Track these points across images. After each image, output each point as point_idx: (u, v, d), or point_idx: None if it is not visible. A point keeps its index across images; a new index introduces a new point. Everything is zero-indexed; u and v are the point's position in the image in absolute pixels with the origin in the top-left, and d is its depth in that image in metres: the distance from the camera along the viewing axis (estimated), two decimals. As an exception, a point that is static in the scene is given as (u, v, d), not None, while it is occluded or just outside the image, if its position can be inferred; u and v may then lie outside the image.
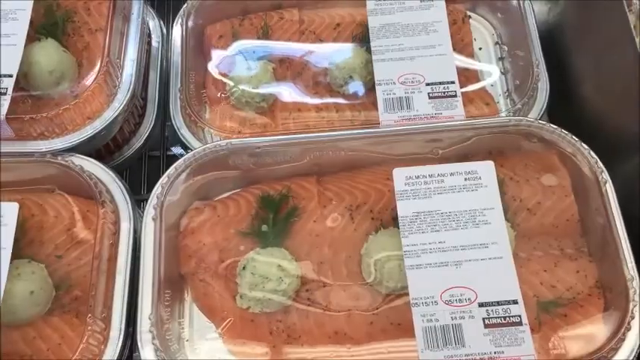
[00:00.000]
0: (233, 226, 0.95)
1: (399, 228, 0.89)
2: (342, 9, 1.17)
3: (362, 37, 1.12)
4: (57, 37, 1.06)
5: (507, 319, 0.83)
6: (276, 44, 1.14)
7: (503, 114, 1.04)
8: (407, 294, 0.86)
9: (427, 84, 1.05)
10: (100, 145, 1.04)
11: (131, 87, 1.04)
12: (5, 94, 0.96)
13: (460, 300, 0.84)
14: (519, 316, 0.83)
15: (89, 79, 1.02)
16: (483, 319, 0.83)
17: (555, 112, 1.10)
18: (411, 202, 0.90)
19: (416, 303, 0.84)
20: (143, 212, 0.95)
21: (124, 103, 1.03)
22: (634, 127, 0.96)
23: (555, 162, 0.97)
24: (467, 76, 1.10)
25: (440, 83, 1.05)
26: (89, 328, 0.83)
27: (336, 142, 0.98)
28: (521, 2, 1.13)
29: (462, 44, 1.14)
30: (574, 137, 0.96)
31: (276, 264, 0.89)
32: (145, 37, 1.14)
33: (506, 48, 1.17)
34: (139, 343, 0.85)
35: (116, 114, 1.02)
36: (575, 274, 0.91)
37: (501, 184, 0.93)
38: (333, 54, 1.11)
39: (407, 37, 1.09)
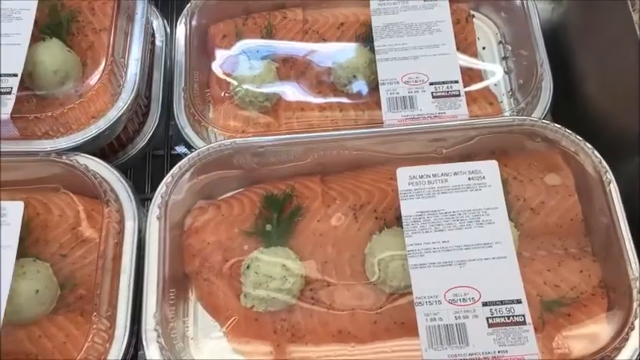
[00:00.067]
0: (237, 226, 0.96)
1: (402, 227, 0.89)
2: (345, 8, 1.17)
3: (365, 37, 1.12)
4: (61, 37, 1.06)
5: (511, 318, 0.83)
6: (279, 44, 1.14)
7: (506, 113, 1.04)
8: (410, 293, 0.86)
9: (431, 83, 1.05)
10: (105, 144, 1.05)
11: (135, 86, 1.04)
12: (10, 93, 0.97)
13: (464, 299, 0.84)
14: (523, 315, 0.83)
15: (93, 79, 1.03)
16: (487, 318, 0.83)
17: (559, 112, 1.10)
18: (414, 201, 0.91)
19: (420, 302, 0.84)
20: (147, 211, 0.95)
21: (128, 102, 1.03)
22: (638, 127, 0.96)
23: (559, 161, 0.97)
24: (470, 75, 1.10)
25: (443, 83, 1.05)
26: (94, 326, 0.84)
27: (339, 141, 0.98)
28: (524, 1, 1.13)
29: (465, 43, 1.14)
30: (578, 137, 0.96)
31: (280, 263, 0.90)
32: (149, 36, 1.15)
33: (509, 47, 1.17)
34: (144, 342, 0.85)
35: (120, 113, 1.02)
36: (578, 274, 0.91)
37: (505, 183, 0.93)
38: (336, 53, 1.11)
39: (410, 36, 1.09)
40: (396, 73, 1.05)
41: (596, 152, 0.94)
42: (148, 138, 1.13)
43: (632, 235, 0.89)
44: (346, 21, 1.15)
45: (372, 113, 1.06)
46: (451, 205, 0.90)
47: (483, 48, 1.19)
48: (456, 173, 0.92)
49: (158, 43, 1.20)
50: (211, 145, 0.98)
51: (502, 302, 0.84)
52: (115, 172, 0.99)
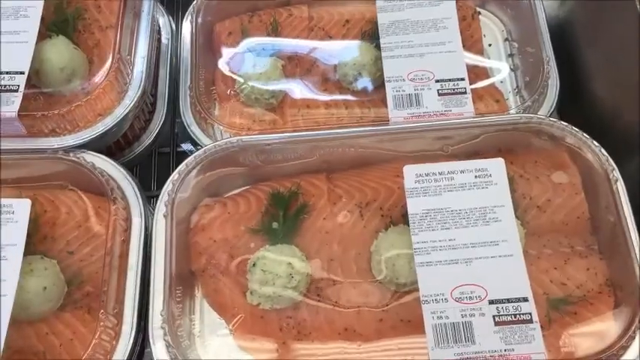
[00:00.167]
0: (243, 223, 0.96)
1: (408, 225, 0.89)
2: (351, 5, 1.17)
3: (371, 34, 1.12)
4: (68, 34, 1.07)
5: (518, 316, 0.83)
6: (285, 41, 1.14)
7: (513, 111, 1.04)
8: (416, 291, 0.86)
9: (437, 81, 1.04)
10: (111, 141, 1.05)
11: (142, 84, 1.04)
12: (17, 91, 0.97)
13: (470, 297, 0.84)
14: (530, 313, 0.83)
15: (100, 76, 1.03)
16: (494, 316, 0.83)
17: (565, 109, 1.10)
18: (421, 199, 0.91)
19: (426, 300, 0.84)
20: (153, 208, 0.95)
21: (135, 99, 1.03)
22: (645, 125, 0.96)
23: (566, 159, 0.97)
24: (476, 72, 1.10)
25: (449, 80, 1.04)
26: (101, 323, 0.84)
27: (345, 139, 0.98)
28: (531, -2, 1.12)
29: (471, 41, 1.13)
30: (585, 134, 0.95)
31: (286, 261, 0.90)
32: (155, 34, 1.15)
33: (516, 44, 1.17)
34: (150, 339, 0.85)
35: (127, 111, 1.02)
36: (585, 272, 0.91)
37: (511, 181, 0.93)
38: (342, 51, 1.11)
39: (416, 33, 1.09)
40: (401, 71, 1.05)
41: (603, 150, 0.94)
42: (154, 135, 1.13)
43: (639, 233, 0.89)
44: (352, 18, 1.15)
45: (378, 111, 1.06)
46: (457, 203, 0.90)
47: (489, 45, 1.18)
48: (462, 171, 0.92)
49: (164, 40, 1.20)
50: (217, 142, 0.98)
51: (509, 300, 0.83)
52: (122, 169, 1.00)
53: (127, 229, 0.93)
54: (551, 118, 0.98)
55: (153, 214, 0.94)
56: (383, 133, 0.98)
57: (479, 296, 0.84)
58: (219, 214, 0.97)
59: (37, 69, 1.02)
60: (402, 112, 1.02)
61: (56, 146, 0.98)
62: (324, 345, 0.89)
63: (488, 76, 1.11)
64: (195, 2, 1.15)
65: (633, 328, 0.83)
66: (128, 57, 1.06)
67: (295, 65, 1.12)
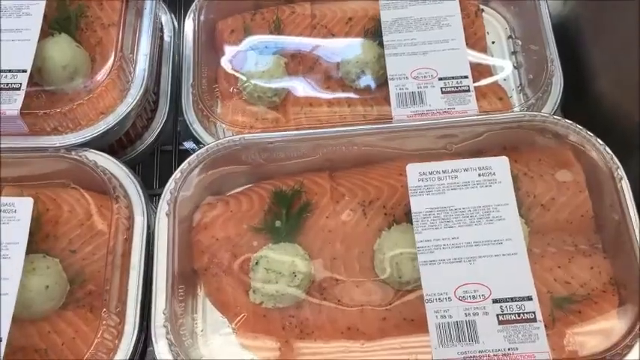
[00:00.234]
0: (246, 222, 0.95)
1: (412, 224, 0.89)
2: (354, 3, 1.16)
3: (374, 32, 1.11)
4: (70, 32, 1.07)
5: (521, 315, 0.82)
6: (288, 39, 1.13)
7: (516, 109, 1.04)
8: (420, 290, 0.86)
9: (440, 78, 1.04)
10: (113, 140, 1.05)
11: (144, 82, 1.04)
12: (19, 89, 0.97)
13: (474, 296, 0.84)
14: (534, 312, 0.82)
15: (102, 74, 1.03)
16: (497, 315, 0.82)
17: (569, 107, 1.09)
18: (424, 197, 0.90)
19: (429, 299, 0.84)
20: (156, 207, 0.95)
21: (137, 98, 1.03)
22: (650, 123, 0.96)
23: (570, 157, 0.97)
24: (480, 70, 1.09)
25: (453, 78, 1.04)
26: (103, 322, 0.84)
27: (348, 137, 0.98)
28: (534, -5, 1.12)
29: (474, 38, 1.13)
30: (589, 132, 0.95)
31: (289, 260, 0.89)
32: (158, 31, 1.15)
33: (519, 42, 1.16)
34: (153, 338, 0.85)
35: (129, 109, 1.02)
36: (589, 271, 0.90)
37: (515, 179, 0.92)
38: (345, 48, 1.11)
39: (419, 31, 1.08)
40: (405, 69, 1.05)
41: (607, 148, 0.93)
42: (156, 134, 1.13)
43: (644, 231, 0.88)
44: (355, 15, 1.15)
45: (381, 109, 1.06)
46: (461, 201, 0.89)
47: (493, 42, 1.18)
48: (466, 169, 0.92)
49: (166, 38, 1.20)
50: (220, 140, 0.98)
51: (512, 299, 0.83)
52: (124, 167, 0.99)
53: (130, 228, 0.93)
54: (555, 116, 0.98)
55: (155, 213, 0.94)
56: (386, 131, 0.98)
57: (482, 295, 0.84)
58: (221, 213, 0.97)
59: (40, 67, 1.01)
60: (406, 110, 1.02)
61: (58, 144, 0.98)
62: (326, 344, 0.89)
63: (491, 74, 1.11)
64: (197, 0, 1.14)
65: (638, 327, 0.83)
66: (130, 55, 1.06)
67: (298, 63, 1.11)
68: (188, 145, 1.07)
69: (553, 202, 0.94)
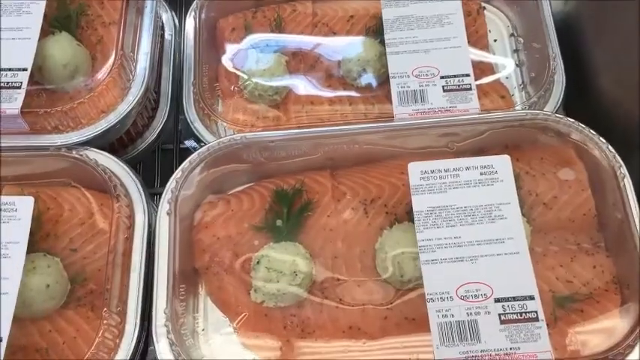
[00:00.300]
0: (247, 221, 0.95)
1: (413, 222, 0.89)
2: (355, 1, 1.16)
3: (376, 30, 1.11)
4: (71, 31, 1.06)
5: (523, 314, 0.82)
6: (289, 37, 1.13)
7: (518, 107, 1.04)
8: (421, 289, 0.85)
9: (442, 77, 1.04)
10: (114, 138, 1.05)
11: (145, 80, 1.04)
12: (20, 87, 0.97)
13: (476, 295, 0.83)
14: (536, 312, 0.82)
15: (103, 73, 1.02)
16: (499, 314, 0.82)
17: (571, 106, 1.09)
18: (426, 196, 0.90)
19: (431, 298, 0.83)
20: (157, 205, 0.95)
21: (138, 96, 1.03)
22: (652, 121, 0.95)
23: (572, 156, 0.96)
24: (482, 68, 1.09)
25: (454, 76, 1.04)
26: (104, 321, 0.84)
27: (349, 135, 0.98)
28: (536, -7, 1.12)
29: (476, 36, 1.12)
30: (591, 131, 0.95)
31: (290, 259, 0.89)
32: (158, 30, 1.14)
33: (521, 40, 1.16)
34: (154, 337, 0.85)
35: (130, 108, 1.02)
36: (591, 270, 0.90)
37: (517, 178, 0.92)
38: (346, 47, 1.11)
39: (421, 29, 1.08)
40: (406, 67, 1.04)
41: (610, 147, 0.93)
42: (157, 132, 1.13)
43: (647, 230, 0.88)
44: (356, 14, 1.14)
45: (383, 107, 1.05)
46: (463, 200, 0.89)
47: (495, 41, 1.18)
48: (467, 168, 0.92)
49: (167, 36, 1.19)
50: (221, 139, 0.97)
51: (514, 298, 0.83)
52: (125, 166, 0.99)
53: (131, 227, 0.93)
54: (558, 115, 0.98)
55: (156, 212, 0.94)
56: (387, 129, 0.98)
57: (484, 294, 0.83)
58: (222, 212, 0.97)
59: (40, 65, 1.01)
60: (407, 108, 1.01)
61: (59, 143, 0.98)
62: (328, 343, 0.89)
63: (493, 72, 1.10)
64: (198, -2, 1.14)
65: (640, 326, 0.82)
66: (131, 53, 1.06)
67: (299, 61, 1.11)
68: (189, 143, 1.07)
69: (555, 200, 0.94)
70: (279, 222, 0.94)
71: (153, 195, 1.08)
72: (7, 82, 0.97)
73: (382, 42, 1.08)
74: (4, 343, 0.80)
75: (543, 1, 1.11)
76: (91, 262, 0.92)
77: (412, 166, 0.92)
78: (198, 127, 1.05)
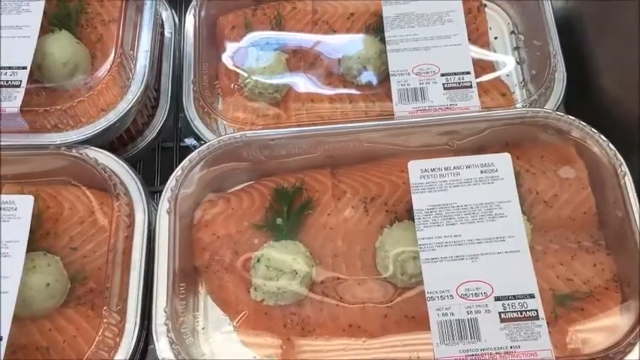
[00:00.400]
0: (247, 219, 0.95)
1: (413, 221, 0.89)
2: (355, -1, 1.16)
3: (376, 27, 1.11)
4: (70, 29, 1.06)
5: (524, 313, 0.82)
6: (289, 35, 1.13)
7: (519, 105, 1.03)
8: (421, 287, 0.85)
9: (442, 74, 1.03)
10: (114, 137, 1.04)
11: (145, 78, 1.04)
12: (19, 86, 0.97)
13: (476, 294, 0.83)
14: (536, 310, 0.82)
15: (103, 71, 1.02)
16: (499, 313, 0.82)
17: (572, 103, 1.09)
18: (426, 194, 0.90)
19: (431, 297, 0.83)
20: (157, 204, 0.95)
21: (138, 94, 1.03)
22: (653, 119, 0.95)
23: (573, 154, 0.96)
24: (482, 66, 1.09)
25: (455, 74, 1.03)
26: (104, 320, 0.84)
27: (350, 133, 0.97)
28: (537, -10, 1.11)
29: (477, 34, 1.12)
30: (592, 129, 0.94)
31: (291, 257, 0.89)
32: (158, 27, 1.14)
33: (522, 37, 1.16)
34: (154, 336, 0.85)
35: (130, 106, 1.02)
36: (592, 268, 0.90)
37: (518, 176, 0.92)
38: (346, 44, 1.10)
39: (422, 26, 1.08)
40: (406, 65, 1.04)
41: (610, 145, 0.93)
42: (157, 130, 1.13)
43: (647, 228, 0.88)
44: (356, 11, 1.14)
45: (383, 105, 1.05)
46: (463, 198, 0.89)
47: (495, 38, 1.17)
48: (468, 166, 0.91)
49: (167, 34, 1.19)
50: (221, 137, 0.97)
51: (515, 297, 0.83)
52: (125, 165, 0.99)
53: (130, 225, 0.93)
54: (558, 112, 0.97)
55: (156, 210, 0.94)
56: (388, 127, 0.98)
57: (485, 293, 0.83)
58: (222, 210, 0.96)
59: (40, 64, 1.01)
60: (407, 106, 1.01)
61: (59, 142, 0.98)
62: (328, 341, 0.89)
63: (494, 70, 1.10)
64: (198, -5, 1.14)
65: (641, 324, 0.82)
66: (131, 51, 1.05)
67: (299, 59, 1.11)
68: (189, 141, 1.07)
69: (556, 198, 0.93)
70: (279, 220, 0.94)
71: (153, 193, 1.08)
72: (7, 81, 0.97)
73: (382, 39, 1.07)
74: (4, 342, 0.80)
75: (544, -2, 1.11)
76: (91, 260, 0.92)
77: (412, 164, 0.92)
78: (198, 125, 1.05)
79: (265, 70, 1.07)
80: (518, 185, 0.91)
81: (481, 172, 0.91)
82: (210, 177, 0.99)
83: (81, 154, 0.97)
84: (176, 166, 0.97)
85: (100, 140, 1.01)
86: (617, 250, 0.91)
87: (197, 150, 0.97)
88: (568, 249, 0.92)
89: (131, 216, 0.94)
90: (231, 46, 1.12)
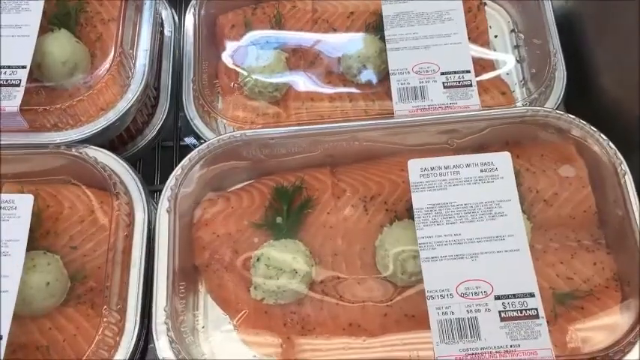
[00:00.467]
0: (246, 218, 0.95)
1: (413, 220, 0.89)
2: (355, -2, 1.16)
3: (376, 26, 1.11)
4: (70, 28, 1.06)
5: (524, 312, 0.82)
6: (289, 33, 1.13)
7: (519, 103, 1.03)
8: (421, 286, 0.85)
9: (442, 73, 1.03)
10: (114, 136, 1.05)
11: (144, 77, 1.04)
12: (19, 85, 0.97)
13: (476, 293, 0.83)
14: (536, 309, 0.82)
15: (102, 70, 1.02)
16: (499, 312, 0.82)
17: (572, 102, 1.09)
18: (426, 193, 0.90)
19: (431, 296, 0.83)
20: (156, 203, 0.95)
21: (138, 93, 1.03)
22: (653, 117, 0.95)
23: (573, 153, 0.96)
24: (482, 64, 1.09)
25: (455, 72, 1.03)
26: (104, 319, 0.84)
27: (349, 132, 0.97)
28: (537, -11, 1.11)
29: (477, 32, 1.12)
30: (592, 127, 0.94)
31: (290, 256, 0.89)
32: (158, 26, 1.14)
33: (522, 36, 1.16)
34: (154, 335, 0.85)
35: (129, 105, 1.02)
36: (592, 266, 0.90)
37: (518, 175, 0.92)
38: (346, 43, 1.10)
39: (421, 25, 1.08)
40: (406, 63, 1.04)
41: (610, 143, 0.93)
42: (157, 129, 1.13)
43: (647, 227, 0.88)
44: (356, 10, 1.14)
45: (383, 103, 1.05)
46: (463, 197, 0.89)
47: (495, 37, 1.17)
48: (468, 165, 0.91)
49: (167, 33, 1.19)
50: (221, 136, 0.97)
51: (515, 296, 0.83)
52: (125, 164, 0.99)
53: (130, 224, 0.93)
54: (558, 111, 0.97)
55: (156, 209, 0.94)
56: (387, 126, 0.98)
57: (485, 292, 0.83)
58: (222, 209, 0.96)
59: (39, 63, 1.01)
60: (407, 105, 1.01)
61: (58, 141, 0.98)
62: (328, 340, 0.89)
63: (494, 68, 1.10)
64: (197, -6, 1.14)
65: (641, 323, 0.82)
66: (130, 50, 1.05)
67: (299, 58, 1.11)
68: (189, 140, 1.07)
69: (556, 197, 0.93)
70: (279, 219, 0.94)
71: (153, 192, 1.08)
72: (6, 80, 0.97)
73: (382, 38, 1.07)
74: (4, 341, 0.80)
75: (544, -3, 1.11)
76: (91, 259, 0.92)
77: (412, 163, 0.92)
78: (197, 124, 1.05)
79: (265, 69, 1.07)
80: (518, 184, 0.91)
81: (481, 170, 0.91)
82: (210, 176, 0.99)
83: (81, 153, 0.97)
84: (176, 165, 0.97)
85: (99, 139, 1.01)
86: (617, 248, 0.91)
87: (197, 149, 0.97)
88: (568, 248, 0.92)
89: (131, 215, 0.94)
90: (230, 45, 1.12)
